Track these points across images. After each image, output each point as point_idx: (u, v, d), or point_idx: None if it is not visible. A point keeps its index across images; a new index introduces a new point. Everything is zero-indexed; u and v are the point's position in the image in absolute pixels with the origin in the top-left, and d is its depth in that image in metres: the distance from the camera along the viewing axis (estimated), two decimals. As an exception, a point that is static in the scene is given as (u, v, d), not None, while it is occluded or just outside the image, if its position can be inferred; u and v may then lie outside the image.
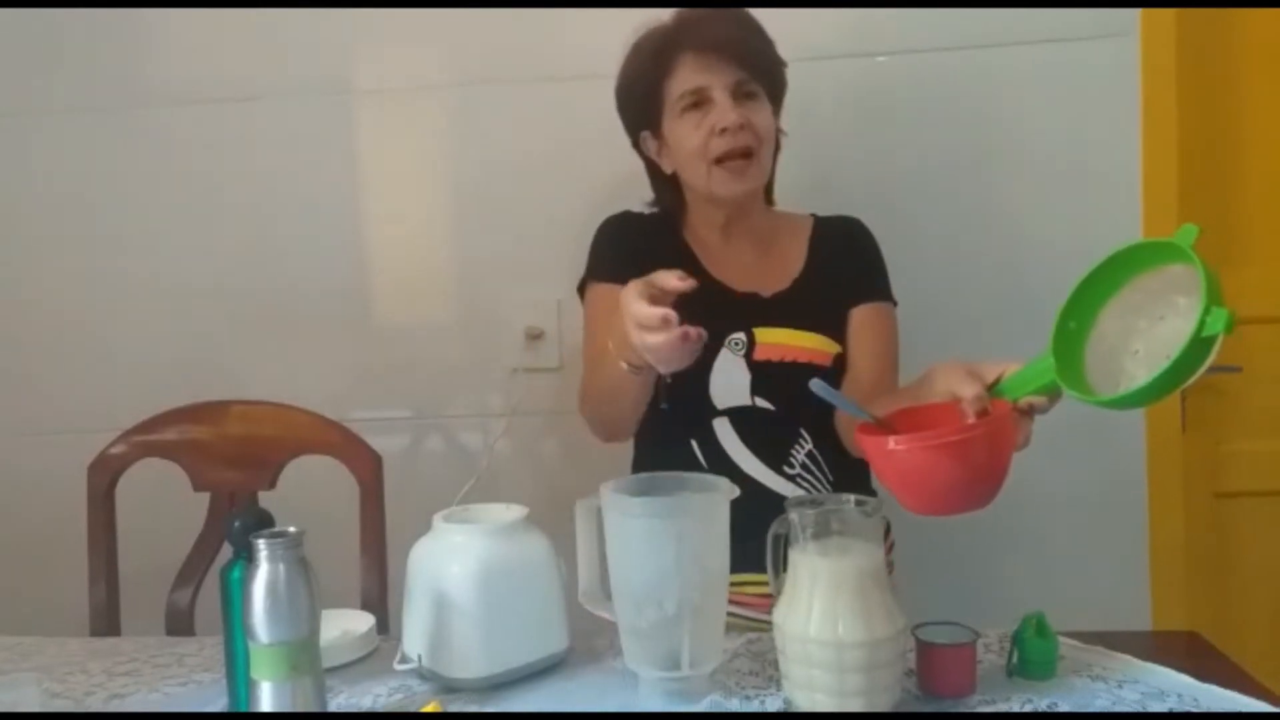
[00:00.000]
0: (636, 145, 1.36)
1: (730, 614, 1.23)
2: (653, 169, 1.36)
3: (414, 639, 1.05)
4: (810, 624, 0.90)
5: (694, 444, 1.28)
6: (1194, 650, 1.10)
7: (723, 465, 1.25)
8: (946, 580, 1.54)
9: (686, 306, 1.16)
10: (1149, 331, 0.89)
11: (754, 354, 1.26)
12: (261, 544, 0.90)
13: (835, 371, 1.28)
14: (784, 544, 0.96)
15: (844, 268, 1.32)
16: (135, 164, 1.78)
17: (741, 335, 1.26)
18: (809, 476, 1.27)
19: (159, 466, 1.42)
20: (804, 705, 0.92)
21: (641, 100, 1.30)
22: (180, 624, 1.37)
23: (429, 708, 0.97)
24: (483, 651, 1.01)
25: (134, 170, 1.78)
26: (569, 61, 1.67)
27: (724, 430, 1.27)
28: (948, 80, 1.61)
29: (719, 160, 1.23)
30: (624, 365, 1.10)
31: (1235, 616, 1.69)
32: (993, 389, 0.96)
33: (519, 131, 1.70)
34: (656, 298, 0.98)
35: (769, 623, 0.96)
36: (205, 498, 1.41)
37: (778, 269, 1.32)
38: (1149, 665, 1.00)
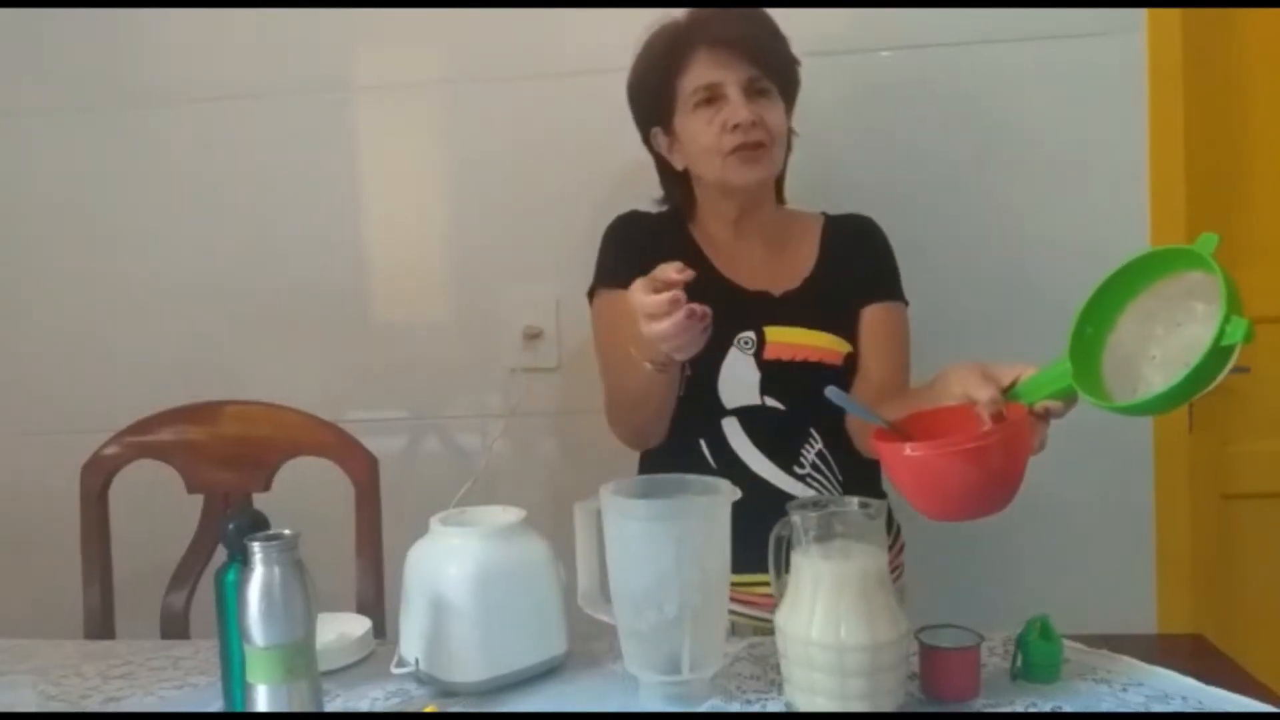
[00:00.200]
0: (647, 141, 1.35)
1: (739, 614, 1.24)
2: (663, 165, 1.36)
3: (411, 642, 1.04)
4: (812, 627, 0.89)
5: (703, 444, 1.27)
6: (1199, 653, 1.09)
7: (732, 465, 1.25)
8: (950, 583, 1.53)
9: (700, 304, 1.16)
10: (1166, 338, 0.88)
11: (764, 353, 1.26)
12: (256, 546, 0.89)
13: (846, 371, 1.27)
14: (786, 546, 0.95)
15: (855, 267, 1.31)
16: (133, 164, 1.77)
17: (751, 334, 1.26)
18: (819, 477, 1.26)
19: (153, 468, 1.41)
20: (806, 709, 0.91)
21: (654, 96, 1.30)
22: (175, 627, 1.36)
23: (426, 711, 0.97)
24: (480, 655, 1.01)
25: (131, 170, 1.77)
26: (569, 59, 1.66)
27: (733, 430, 1.27)
28: (953, 77, 1.61)
29: (731, 152, 1.23)
30: (648, 366, 1.12)
31: (1241, 619, 1.68)
32: (1008, 392, 0.95)
33: (518, 130, 1.69)
34: (661, 291, 0.98)
35: (776, 624, 0.95)
36: (199, 499, 1.41)
37: (789, 268, 1.31)
38: (1154, 668, 1.00)
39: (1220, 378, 0.83)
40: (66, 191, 1.79)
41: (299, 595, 0.90)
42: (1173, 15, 1.57)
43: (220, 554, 1.01)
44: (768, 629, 0.95)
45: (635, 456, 1.37)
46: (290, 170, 1.74)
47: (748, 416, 1.26)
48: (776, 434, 1.26)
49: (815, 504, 0.96)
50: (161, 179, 1.77)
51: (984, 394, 0.93)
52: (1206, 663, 1.03)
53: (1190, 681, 0.96)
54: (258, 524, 0.96)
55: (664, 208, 1.39)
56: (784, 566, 0.96)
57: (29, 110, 1.78)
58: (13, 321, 1.82)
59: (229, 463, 1.40)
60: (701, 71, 1.24)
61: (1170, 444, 1.62)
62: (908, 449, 0.92)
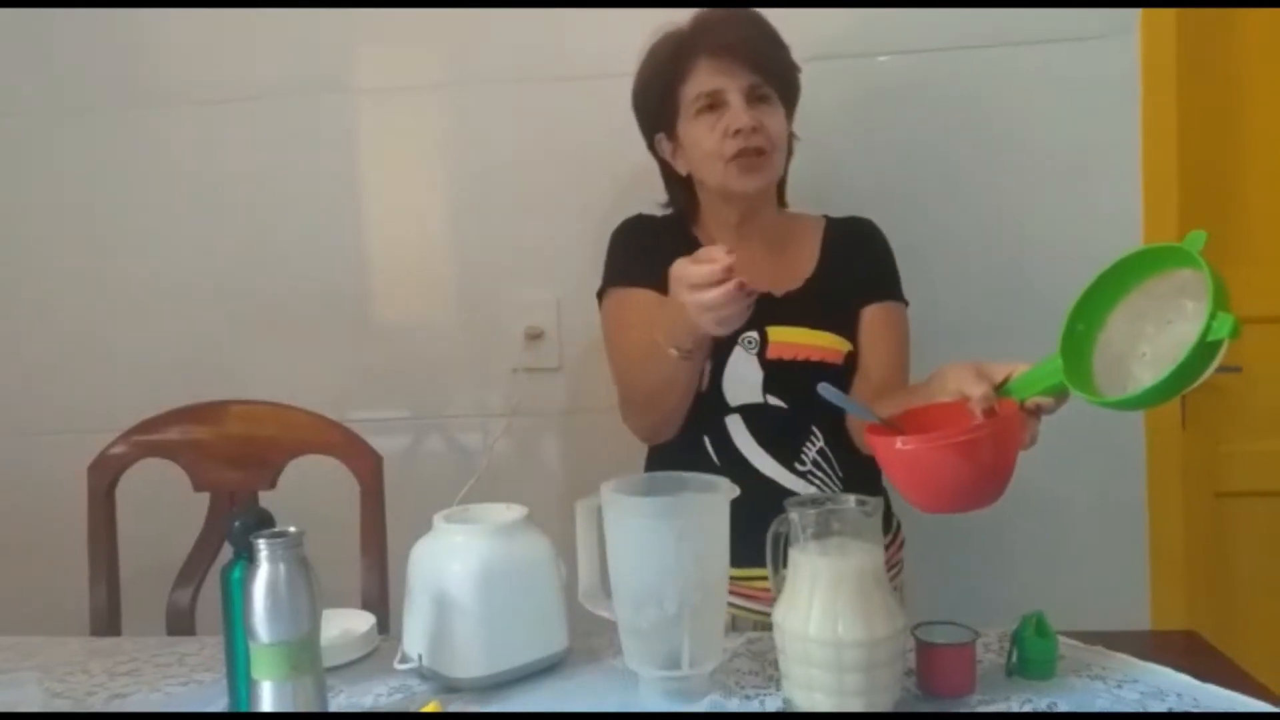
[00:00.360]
0: (652, 147, 1.37)
1: (741, 607, 1.26)
2: (667, 170, 1.37)
3: (414, 638, 1.05)
4: (810, 623, 0.90)
5: (707, 441, 1.29)
6: (1193, 649, 1.10)
7: (735, 462, 1.27)
8: (946, 579, 1.54)
9: None
10: (1157, 335, 0.89)
11: (766, 352, 1.28)
12: (262, 544, 0.90)
13: (846, 370, 1.29)
14: (784, 543, 0.96)
15: (856, 268, 1.33)
16: (134, 164, 1.78)
17: (754, 334, 1.27)
18: (820, 474, 1.28)
19: (159, 467, 1.42)
20: (803, 705, 0.92)
21: (657, 103, 1.31)
22: (181, 624, 1.37)
23: (429, 707, 0.97)
24: (483, 651, 1.01)
25: (133, 170, 1.78)
26: (570, 61, 1.67)
27: (736, 427, 1.28)
28: (949, 80, 1.61)
29: (732, 159, 1.24)
30: (674, 352, 1.14)
31: (1234, 616, 1.69)
32: (1001, 389, 0.96)
33: (519, 131, 1.70)
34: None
35: (778, 617, 0.96)
36: (205, 498, 1.41)
37: (790, 269, 1.33)
38: (1148, 665, 1.00)
39: (1208, 373, 0.84)
40: (67, 191, 1.80)
41: (304, 592, 0.91)
42: (1167, 16, 1.58)
43: (226, 552, 1.02)
44: (769, 623, 0.96)
45: (635, 455, 1.38)
46: (292, 171, 1.75)
47: (751, 414, 1.28)
48: (778, 432, 1.28)
49: (813, 501, 0.97)
50: (163, 179, 1.78)
51: (977, 390, 0.95)
52: (1200, 659, 1.04)
53: (1184, 678, 0.97)
54: (263, 522, 0.97)
55: (668, 211, 1.40)
56: (782, 563, 0.97)
57: (29, 110, 1.79)
58: (15, 321, 1.82)
59: (235, 462, 1.40)
60: (703, 78, 1.25)
61: (1163, 443, 1.63)
62: (899, 442, 0.93)
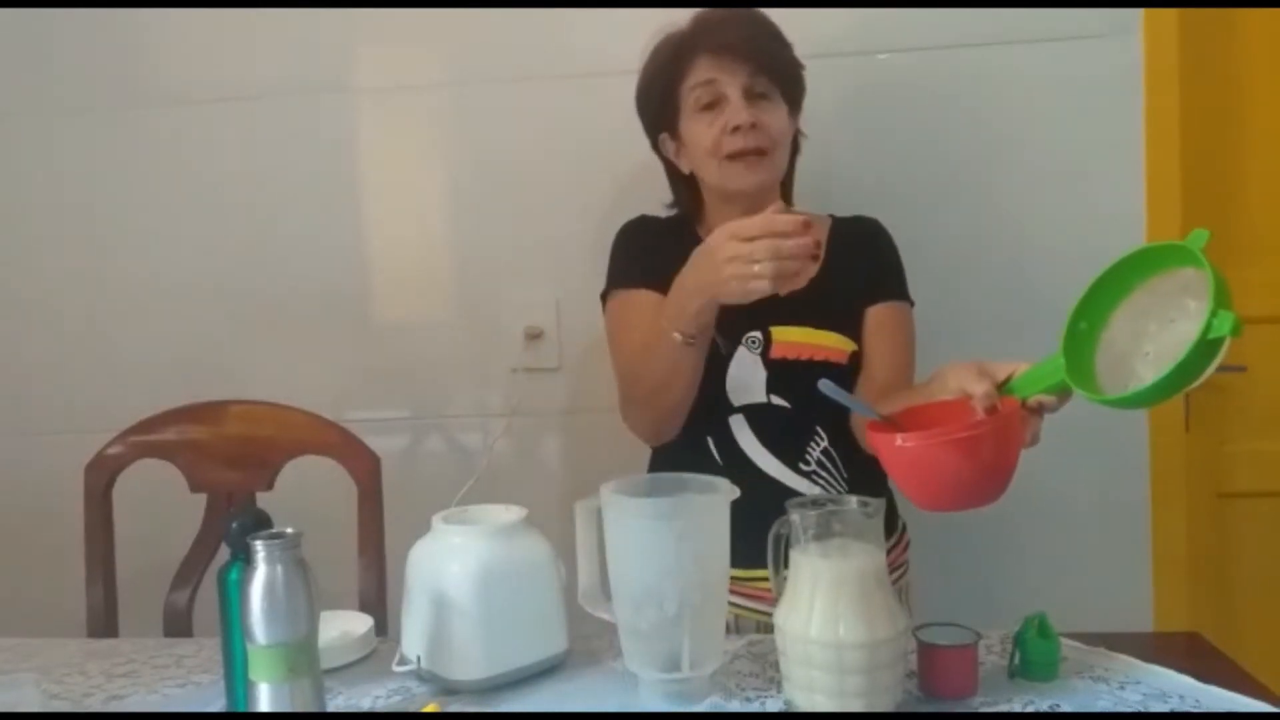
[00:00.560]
0: (656, 147, 1.37)
1: (744, 607, 1.26)
2: (671, 170, 1.37)
3: (413, 640, 1.04)
4: (811, 625, 0.90)
5: (710, 441, 1.29)
6: (1196, 651, 1.10)
7: (738, 462, 1.26)
8: (948, 581, 1.53)
9: None
10: (1159, 334, 0.89)
11: (770, 352, 1.27)
12: (259, 545, 0.90)
13: (851, 370, 1.29)
14: (785, 544, 0.96)
15: (861, 268, 1.32)
16: (134, 164, 1.78)
17: (758, 334, 1.27)
18: (824, 474, 1.27)
19: (156, 467, 1.42)
20: (804, 707, 0.92)
21: (659, 102, 1.31)
22: (178, 625, 1.36)
23: (428, 709, 0.97)
24: (482, 653, 1.01)
25: (133, 170, 1.78)
26: (570, 61, 1.66)
27: (740, 427, 1.28)
28: (950, 79, 1.61)
29: (731, 157, 1.24)
30: (678, 337, 1.14)
31: (1237, 617, 1.68)
32: (1003, 387, 0.96)
33: (519, 131, 1.69)
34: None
35: (782, 617, 0.96)
36: (203, 498, 1.41)
37: None
38: (1151, 666, 1.00)
39: (1209, 371, 0.83)
40: (67, 191, 1.79)
41: (301, 593, 0.90)
42: (1169, 15, 1.57)
43: (223, 553, 1.02)
44: (771, 623, 0.96)
45: (636, 456, 1.38)
46: (292, 171, 1.75)
47: (754, 414, 1.28)
48: (782, 431, 1.28)
49: (814, 502, 0.97)
50: (163, 179, 1.77)
51: (979, 388, 0.95)
52: (1203, 661, 1.03)
53: (1187, 679, 0.97)
54: (260, 523, 0.96)
55: (673, 211, 1.41)
56: (783, 564, 0.96)
57: (29, 110, 1.79)
58: (14, 321, 1.82)
59: (232, 462, 1.40)
60: (703, 76, 1.26)
61: (1166, 443, 1.62)
62: (900, 439, 0.93)
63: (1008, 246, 1.63)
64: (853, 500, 0.96)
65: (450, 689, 1.02)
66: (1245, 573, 1.70)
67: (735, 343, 1.28)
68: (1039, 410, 0.95)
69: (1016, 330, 1.56)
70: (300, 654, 0.90)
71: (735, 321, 1.26)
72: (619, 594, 0.99)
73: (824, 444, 1.28)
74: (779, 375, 1.27)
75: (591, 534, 1.02)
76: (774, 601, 0.96)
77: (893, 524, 1.34)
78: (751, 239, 1.04)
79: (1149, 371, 0.88)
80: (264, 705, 0.90)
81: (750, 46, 1.25)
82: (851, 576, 0.91)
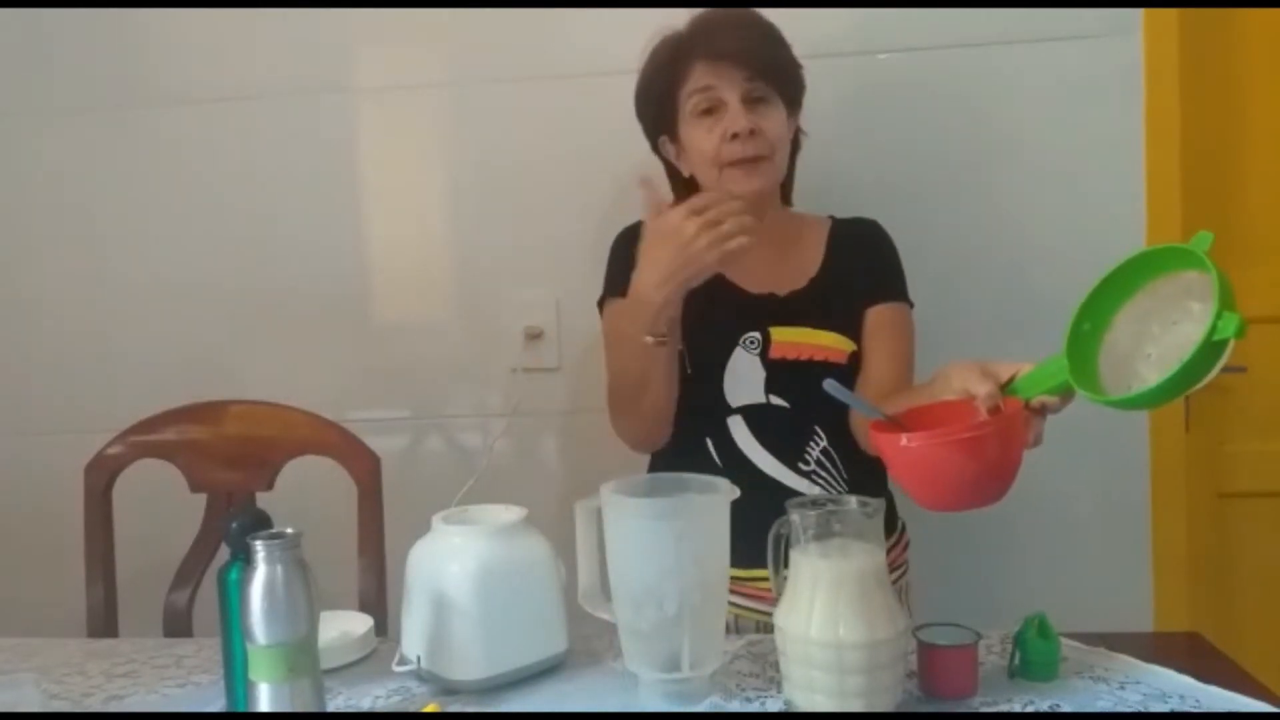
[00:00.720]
0: (656, 149, 1.37)
1: (744, 607, 1.26)
2: (672, 172, 1.37)
3: (413, 640, 1.04)
4: (811, 625, 0.90)
5: (709, 443, 1.29)
6: (1196, 651, 1.10)
7: (738, 463, 1.26)
8: (948, 581, 1.53)
9: (702, 310, 1.18)
10: (1162, 336, 0.89)
11: (770, 352, 1.27)
12: (259, 545, 0.90)
13: (850, 370, 1.29)
14: (785, 544, 0.96)
15: (861, 268, 1.32)
16: (134, 164, 1.78)
17: (756, 334, 1.28)
18: (824, 473, 1.27)
19: (156, 467, 1.42)
20: (804, 706, 0.92)
21: (657, 106, 1.31)
22: (178, 625, 1.36)
23: (428, 709, 0.97)
24: (482, 653, 1.01)
25: (133, 170, 1.78)
26: (570, 61, 1.66)
27: (738, 428, 1.28)
28: (950, 79, 1.61)
29: (731, 164, 1.24)
30: (649, 340, 1.17)
31: (1237, 617, 1.68)
32: (1006, 387, 0.96)
33: (519, 131, 1.69)
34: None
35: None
36: (203, 498, 1.41)
37: (795, 269, 1.33)
38: (1151, 666, 1.00)
39: (1213, 372, 0.83)
40: (67, 191, 1.79)
41: (301, 594, 0.90)
42: (1170, 17, 1.57)
43: (223, 553, 1.02)
44: (771, 623, 0.96)
45: (636, 456, 1.37)
46: (292, 171, 1.75)
47: (753, 415, 1.28)
48: (781, 431, 1.28)
49: (814, 502, 0.97)
50: (163, 179, 1.77)
51: (982, 388, 0.95)
52: (1203, 661, 1.03)
53: (1187, 679, 0.97)
54: (260, 523, 0.96)
55: None
56: (783, 564, 0.96)
57: (29, 110, 1.79)
58: (14, 321, 1.82)
59: (232, 462, 1.40)
60: (700, 82, 1.25)
61: (1167, 443, 1.62)
62: (904, 439, 0.93)
63: (1008, 246, 1.62)
64: (853, 500, 0.96)
65: (450, 689, 1.02)
66: (1245, 573, 1.70)
67: (729, 348, 1.28)
68: (1042, 411, 0.95)
69: (1017, 330, 1.56)
70: (300, 654, 0.90)
71: (734, 323, 1.27)
72: (619, 594, 0.99)
73: (823, 444, 1.28)
74: (777, 375, 1.27)
75: (591, 534, 1.02)
76: (774, 601, 0.96)
77: (892, 524, 1.34)
78: (704, 207, 1.10)
79: (1152, 373, 0.88)
80: (264, 705, 0.90)
81: (748, 52, 1.24)
82: (851, 576, 0.91)
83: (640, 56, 1.32)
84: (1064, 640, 1.01)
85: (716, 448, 1.29)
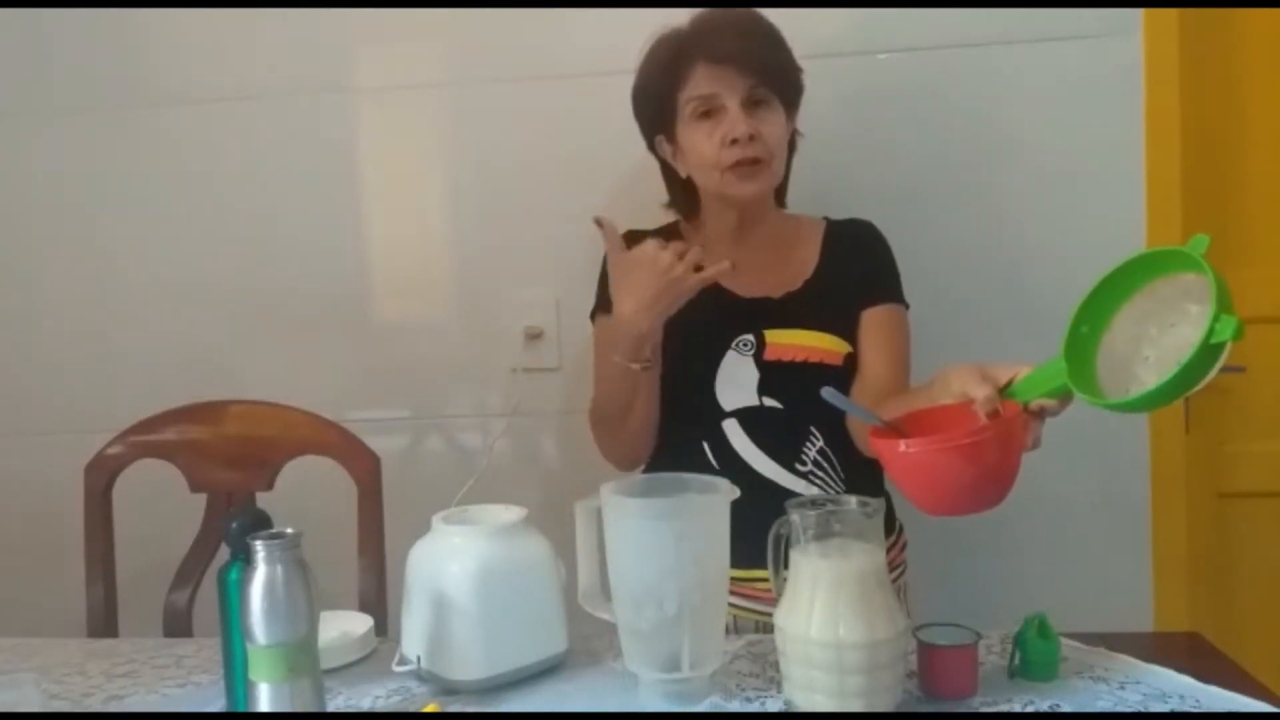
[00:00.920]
0: (652, 148, 1.36)
1: (742, 608, 1.26)
2: (668, 171, 1.37)
3: (413, 640, 1.04)
4: (811, 625, 0.90)
5: (706, 446, 1.29)
6: (1196, 651, 1.10)
7: (734, 465, 1.26)
8: (948, 581, 1.53)
9: (692, 315, 1.19)
10: (1160, 338, 0.89)
11: (764, 354, 1.28)
12: (259, 545, 0.90)
13: (846, 372, 1.29)
14: (785, 544, 0.96)
15: (856, 270, 1.32)
16: (134, 164, 1.77)
17: (750, 336, 1.28)
18: (821, 473, 1.27)
19: (156, 467, 1.42)
20: (804, 706, 0.92)
21: (655, 106, 1.31)
22: (178, 625, 1.36)
23: (428, 709, 0.97)
24: (482, 653, 1.01)
25: (133, 170, 1.78)
26: (570, 61, 1.66)
27: (734, 431, 1.28)
28: (950, 78, 1.61)
29: (729, 167, 1.24)
30: (636, 367, 1.20)
31: (1237, 617, 1.68)
32: (1004, 391, 0.96)
33: (519, 131, 1.69)
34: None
35: (781, 617, 0.96)
36: (202, 498, 1.41)
37: (790, 271, 1.33)
38: (1151, 666, 1.00)
39: (1211, 375, 0.84)
40: (68, 191, 1.79)
41: (301, 594, 0.90)
42: (1170, 17, 1.57)
43: (223, 553, 1.02)
44: (770, 623, 0.96)
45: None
46: (292, 171, 1.75)
47: (747, 417, 1.28)
48: (777, 433, 1.28)
49: (813, 503, 0.97)
50: (163, 179, 1.77)
51: (980, 392, 0.95)
52: (1203, 661, 1.03)
53: (1187, 679, 0.97)
54: (260, 523, 0.96)
55: (668, 215, 1.41)
56: (783, 564, 0.96)
57: (29, 110, 1.79)
58: (13, 321, 1.82)
59: (232, 462, 1.40)
60: (700, 84, 1.24)
61: (1167, 443, 1.62)
62: (903, 445, 0.93)
63: (1007, 246, 1.62)
64: (852, 500, 0.96)
65: (450, 689, 1.02)
66: (1245, 573, 1.70)
67: (721, 350, 1.29)
68: (1040, 414, 0.95)
69: (1016, 331, 1.56)
70: (300, 654, 0.90)
71: (726, 327, 1.27)
72: (619, 594, 0.99)
73: (819, 444, 1.28)
74: (771, 377, 1.27)
75: (591, 534, 1.02)
76: (774, 602, 0.96)
77: (890, 524, 1.34)
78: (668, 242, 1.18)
79: (1150, 375, 0.88)
80: (264, 705, 0.90)
81: (750, 55, 1.24)
82: (851, 576, 0.91)
83: (639, 54, 1.32)
84: (1064, 640, 1.01)
85: (713, 451, 1.29)
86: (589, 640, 1.12)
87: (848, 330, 1.30)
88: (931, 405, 1.01)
